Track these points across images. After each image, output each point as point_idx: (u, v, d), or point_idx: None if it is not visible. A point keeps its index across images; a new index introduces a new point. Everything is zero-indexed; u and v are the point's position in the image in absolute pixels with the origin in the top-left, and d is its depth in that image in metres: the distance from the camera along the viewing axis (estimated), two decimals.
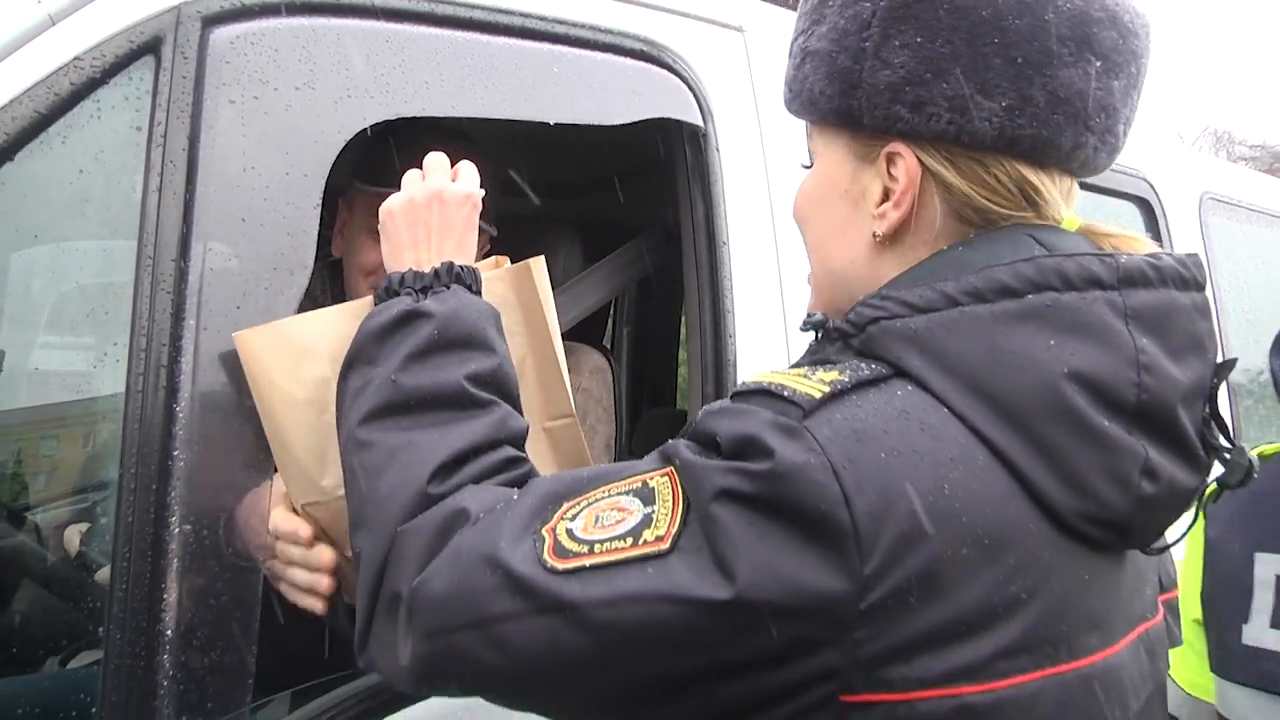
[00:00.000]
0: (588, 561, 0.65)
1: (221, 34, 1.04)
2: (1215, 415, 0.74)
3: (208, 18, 1.04)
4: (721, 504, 0.63)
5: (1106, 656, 0.69)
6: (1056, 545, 0.66)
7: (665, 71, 1.40)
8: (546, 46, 1.29)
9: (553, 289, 1.13)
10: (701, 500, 0.64)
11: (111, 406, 0.99)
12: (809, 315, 0.80)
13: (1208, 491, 0.75)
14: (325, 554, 1.00)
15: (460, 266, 0.96)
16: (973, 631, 0.63)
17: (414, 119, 1.20)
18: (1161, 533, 0.75)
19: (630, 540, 0.65)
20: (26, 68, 0.96)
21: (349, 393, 0.89)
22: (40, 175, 0.99)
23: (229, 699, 0.98)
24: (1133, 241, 0.78)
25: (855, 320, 0.73)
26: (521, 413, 0.91)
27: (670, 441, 0.71)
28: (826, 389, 0.66)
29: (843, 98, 0.77)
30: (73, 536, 1.41)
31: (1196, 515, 0.76)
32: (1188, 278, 0.74)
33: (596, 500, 0.70)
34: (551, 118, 1.28)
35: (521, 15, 1.26)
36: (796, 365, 0.74)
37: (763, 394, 0.68)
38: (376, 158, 1.45)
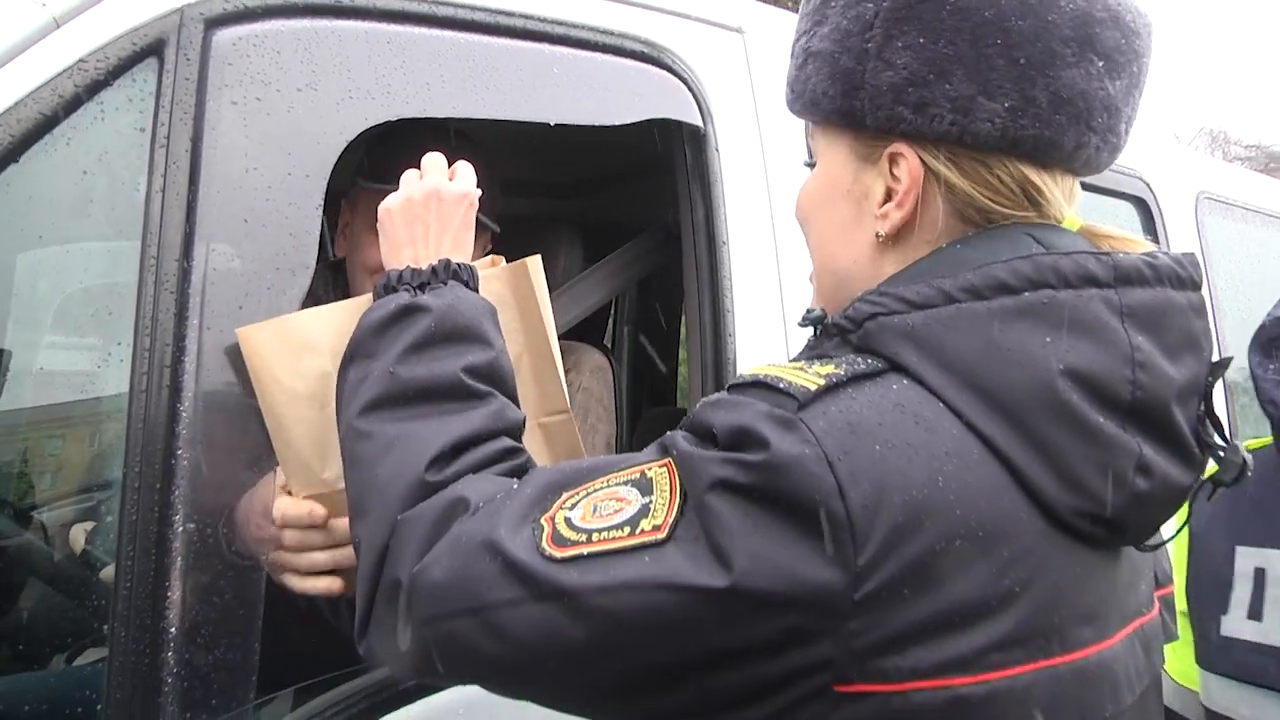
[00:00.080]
0: (585, 550, 0.66)
1: (224, 36, 1.05)
2: (1210, 413, 0.75)
3: (210, 20, 1.04)
4: (717, 494, 0.64)
5: (1100, 650, 0.70)
6: (1050, 540, 0.67)
7: (665, 72, 1.41)
8: (547, 48, 1.29)
9: (553, 289, 1.14)
10: (697, 490, 0.65)
11: (116, 406, 1.00)
12: (808, 311, 0.81)
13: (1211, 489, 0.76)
14: (343, 527, 1.00)
15: (457, 264, 0.97)
16: (966, 623, 0.63)
17: (417, 119, 1.21)
18: (1156, 529, 0.76)
19: (628, 529, 0.66)
20: (31, 70, 0.97)
21: (348, 385, 0.90)
22: (45, 177, 1.00)
23: (233, 696, 0.99)
24: (1131, 243, 0.79)
25: (853, 316, 0.73)
26: (518, 406, 0.92)
27: (669, 433, 0.72)
28: (822, 382, 0.67)
29: (845, 98, 0.77)
30: (78, 535, 1.42)
31: (1190, 513, 0.76)
32: (1184, 277, 0.74)
33: (595, 490, 0.71)
34: (552, 118, 1.28)
35: (522, 17, 1.27)
36: (794, 360, 0.75)
37: (759, 386, 0.68)
38: (380, 157, 1.46)
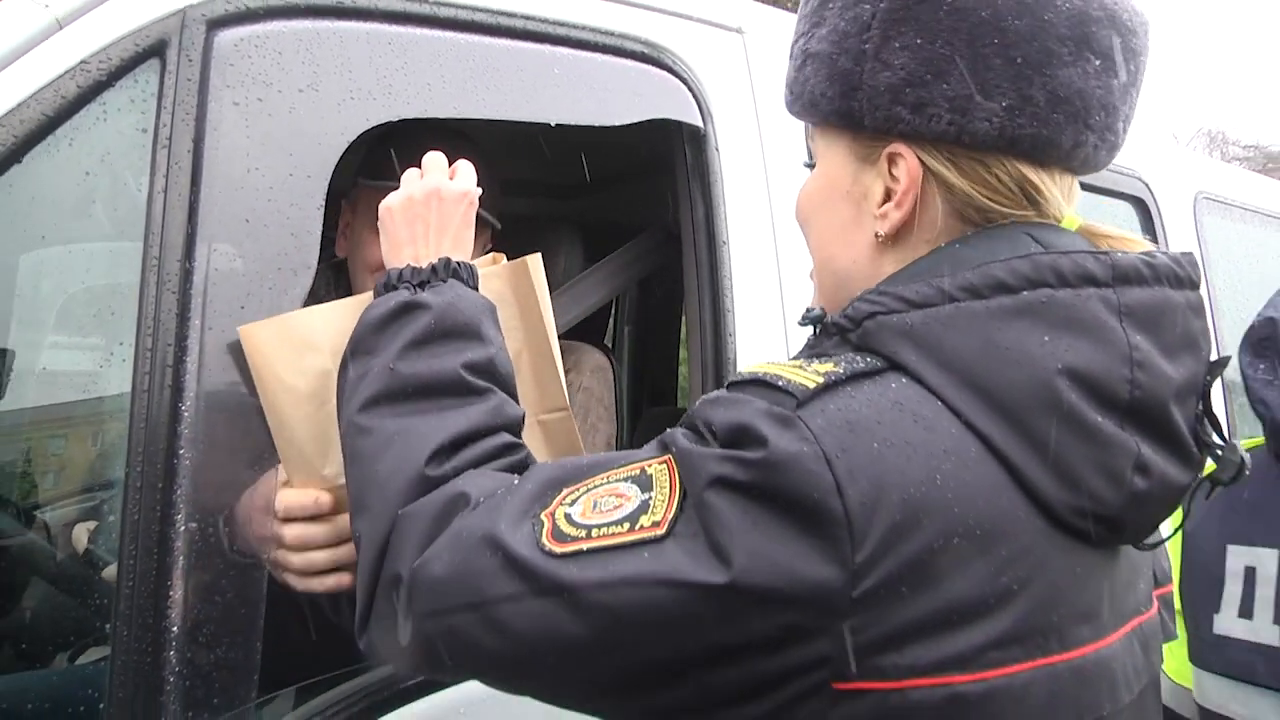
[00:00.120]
0: (585, 545, 0.66)
1: (226, 37, 1.05)
2: (1209, 412, 0.75)
3: (212, 21, 1.05)
4: (716, 491, 0.64)
5: (1099, 649, 0.70)
6: (1048, 538, 0.67)
7: (665, 73, 1.41)
8: (547, 48, 1.30)
9: (553, 289, 1.14)
10: (697, 487, 0.65)
11: (118, 406, 1.00)
12: (808, 310, 0.81)
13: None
14: (344, 522, 1.01)
15: (457, 262, 0.98)
16: (964, 621, 0.63)
17: (418, 119, 1.21)
18: (1154, 528, 0.76)
19: (627, 525, 0.66)
20: (34, 71, 0.97)
21: (349, 382, 0.90)
22: (47, 177, 1.00)
23: (234, 694, 0.99)
24: (1130, 243, 0.79)
25: (852, 315, 0.73)
26: (518, 402, 0.92)
27: (669, 430, 0.72)
28: (821, 380, 0.67)
29: (843, 99, 0.77)
30: (80, 534, 1.42)
31: (1188, 512, 0.77)
32: (1182, 276, 0.74)
33: (596, 486, 0.71)
34: (552, 119, 1.29)
35: (523, 18, 1.27)
36: (794, 358, 0.75)
37: (758, 384, 0.69)
38: (381, 156, 1.46)
